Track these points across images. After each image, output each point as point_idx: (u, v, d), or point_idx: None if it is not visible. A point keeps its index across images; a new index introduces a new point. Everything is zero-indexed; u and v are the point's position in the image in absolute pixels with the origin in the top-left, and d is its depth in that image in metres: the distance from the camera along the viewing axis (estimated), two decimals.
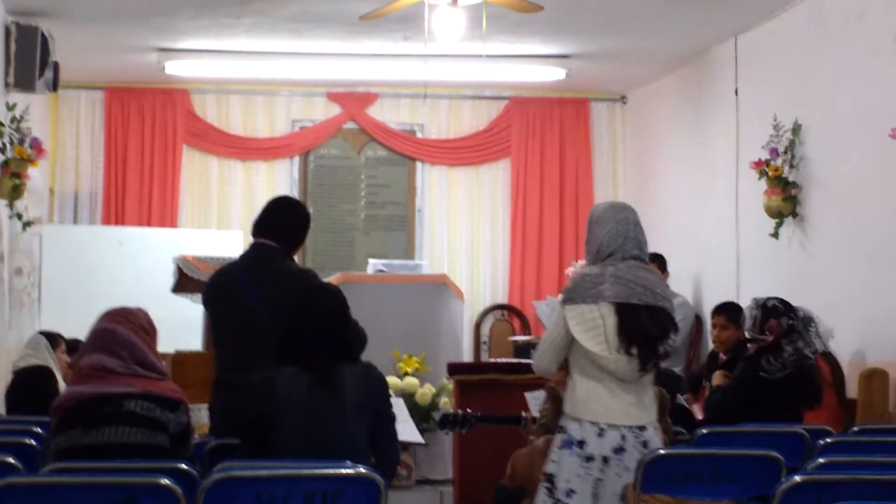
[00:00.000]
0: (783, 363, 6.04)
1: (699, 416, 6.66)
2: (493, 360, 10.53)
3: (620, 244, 4.74)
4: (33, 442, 4.75)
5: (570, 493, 4.65)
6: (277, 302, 5.07)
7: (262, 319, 5.10)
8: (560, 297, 4.83)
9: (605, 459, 4.61)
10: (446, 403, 8.40)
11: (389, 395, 4.90)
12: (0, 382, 8.07)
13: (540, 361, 4.82)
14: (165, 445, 4.41)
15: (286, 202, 5.71)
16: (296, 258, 5.66)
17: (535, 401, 5.98)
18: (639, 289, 4.66)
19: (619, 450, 4.60)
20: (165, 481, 3.72)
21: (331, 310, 4.76)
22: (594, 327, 4.63)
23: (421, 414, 8.41)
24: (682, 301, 9.38)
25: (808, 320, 6.56)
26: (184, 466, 4.06)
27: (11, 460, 4.18)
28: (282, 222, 5.44)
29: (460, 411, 6.13)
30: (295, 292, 4.91)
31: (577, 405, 4.69)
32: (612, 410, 4.65)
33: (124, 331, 4.58)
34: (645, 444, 4.65)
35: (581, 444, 4.65)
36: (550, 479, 4.72)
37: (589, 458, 4.64)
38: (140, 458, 4.29)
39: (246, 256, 5.48)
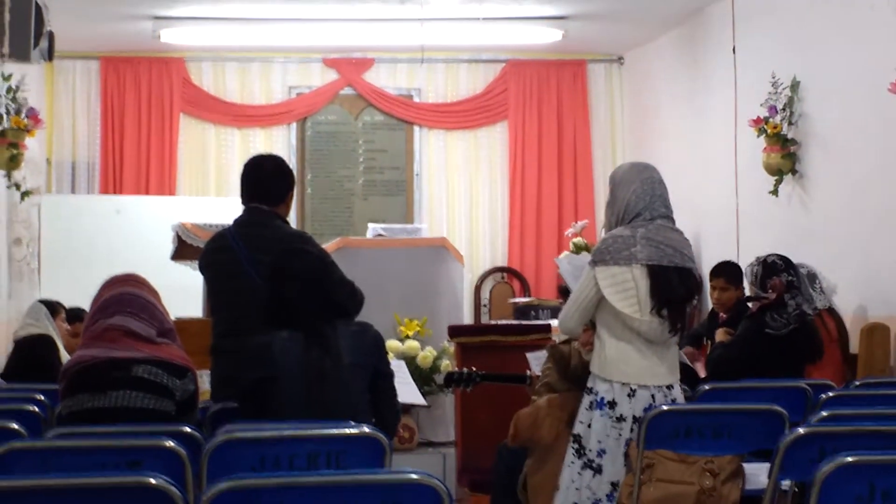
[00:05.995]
0: (787, 319, 6.04)
1: (702, 373, 6.67)
2: (493, 322, 10.56)
3: (648, 203, 4.73)
4: (36, 409, 4.74)
5: (601, 452, 4.67)
6: (269, 266, 5.05)
7: (257, 284, 5.06)
8: (589, 257, 4.81)
9: (636, 419, 4.61)
10: (448, 366, 8.39)
11: (386, 353, 4.89)
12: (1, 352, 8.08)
13: (566, 322, 4.81)
14: (171, 412, 4.39)
15: (254, 162, 5.52)
16: (295, 223, 5.61)
17: (537, 361, 5.98)
18: (669, 250, 4.68)
19: (649, 409, 4.60)
20: (170, 444, 3.71)
21: (302, 275, 4.63)
22: (626, 289, 4.63)
23: (423, 377, 8.41)
24: None
25: (812, 276, 6.56)
26: (188, 429, 4.04)
27: (15, 426, 4.18)
28: (257, 182, 5.35)
29: (465, 369, 6.14)
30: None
31: (607, 366, 4.69)
32: (642, 371, 4.67)
33: (144, 294, 4.58)
34: (673, 403, 4.67)
35: (612, 404, 4.67)
36: (578, 439, 4.74)
37: (620, 419, 4.66)
38: (145, 423, 4.25)
39: (239, 221, 5.43)
